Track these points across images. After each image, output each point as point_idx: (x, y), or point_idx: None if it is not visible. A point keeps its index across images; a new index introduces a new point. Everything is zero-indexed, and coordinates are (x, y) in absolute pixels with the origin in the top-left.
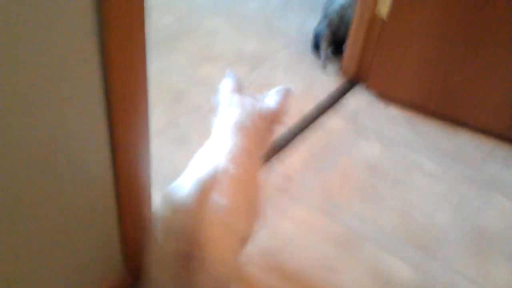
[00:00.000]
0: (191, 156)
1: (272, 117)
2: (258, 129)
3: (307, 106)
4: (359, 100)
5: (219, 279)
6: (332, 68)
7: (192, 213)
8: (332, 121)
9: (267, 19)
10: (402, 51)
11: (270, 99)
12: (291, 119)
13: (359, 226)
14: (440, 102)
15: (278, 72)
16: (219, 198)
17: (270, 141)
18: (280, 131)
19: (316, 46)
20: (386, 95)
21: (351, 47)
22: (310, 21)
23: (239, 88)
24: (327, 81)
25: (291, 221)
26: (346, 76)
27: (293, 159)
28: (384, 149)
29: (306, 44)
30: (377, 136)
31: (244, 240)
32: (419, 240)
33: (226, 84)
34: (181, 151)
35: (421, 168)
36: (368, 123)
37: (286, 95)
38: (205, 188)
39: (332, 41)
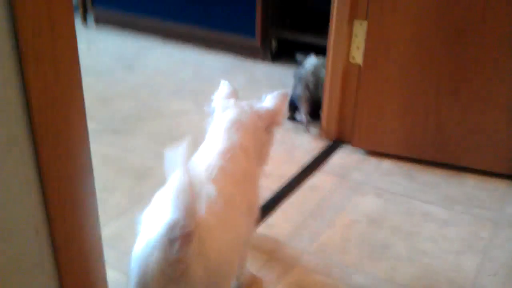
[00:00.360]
0: None
1: (270, 117)
2: (256, 127)
3: (290, 170)
4: (348, 159)
5: (216, 271)
6: (313, 130)
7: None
8: (321, 181)
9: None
10: (384, 101)
11: (267, 102)
12: (274, 183)
13: (375, 286)
14: (436, 151)
15: None
16: (212, 191)
17: (269, 145)
18: (265, 194)
19: (293, 110)
20: (376, 151)
21: (328, 103)
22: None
23: (234, 95)
24: (308, 144)
25: None
26: (329, 137)
27: (283, 222)
28: (385, 202)
29: None
30: (374, 191)
31: (244, 237)
32: None
33: (221, 92)
34: None
35: (432, 216)
36: (361, 179)
37: (283, 97)
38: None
39: (311, 102)
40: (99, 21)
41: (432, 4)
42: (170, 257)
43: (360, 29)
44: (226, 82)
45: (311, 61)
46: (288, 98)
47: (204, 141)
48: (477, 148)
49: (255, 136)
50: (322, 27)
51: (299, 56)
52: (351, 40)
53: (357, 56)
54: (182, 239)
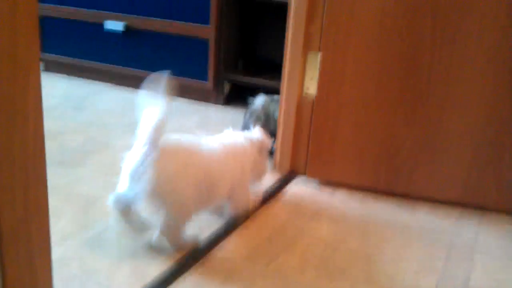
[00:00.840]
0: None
1: (260, 146)
2: (252, 153)
3: None
4: (303, 188)
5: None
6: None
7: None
8: (277, 209)
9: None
10: (338, 131)
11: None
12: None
13: None
14: (389, 181)
15: None
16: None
17: (264, 163)
18: (217, 224)
19: None
20: (331, 182)
21: (283, 135)
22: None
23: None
24: None
25: None
26: (283, 169)
27: (239, 247)
28: (341, 228)
29: None
30: (330, 217)
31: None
32: None
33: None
34: (94, 252)
35: (388, 240)
36: (316, 208)
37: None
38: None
39: None
40: (48, 67)
41: (384, 36)
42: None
43: (314, 60)
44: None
45: (261, 98)
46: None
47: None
48: (429, 177)
49: (251, 158)
50: (272, 71)
51: (250, 100)
52: (305, 71)
53: (311, 87)
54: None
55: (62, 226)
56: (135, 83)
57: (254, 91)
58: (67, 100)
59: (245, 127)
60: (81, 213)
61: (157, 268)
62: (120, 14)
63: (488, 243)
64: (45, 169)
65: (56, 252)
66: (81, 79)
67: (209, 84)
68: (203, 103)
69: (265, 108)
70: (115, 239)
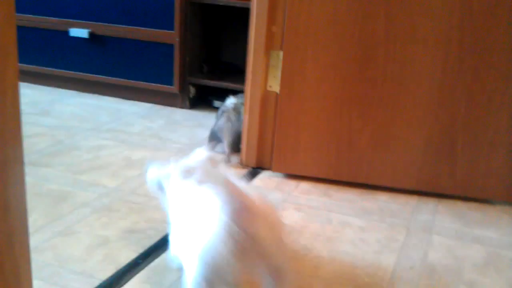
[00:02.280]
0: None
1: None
2: None
3: None
4: (268, 181)
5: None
6: (234, 159)
7: None
8: None
9: (154, 133)
10: (301, 126)
11: None
12: None
13: (301, 281)
14: (350, 172)
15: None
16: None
17: None
18: None
19: (215, 141)
20: (295, 176)
21: (248, 132)
22: (200, 132)
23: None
24: (230, 172)
25: None
26: (249, 164)
27: None
28: (305, 214)
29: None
30: (294, 206)
31: None
32: (369, 286)
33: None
34: (66, 242)
35: (350, 225)
36: (281, 197)
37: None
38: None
39: (234, 133)
40: None
41: (344, 32)
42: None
43: (276, 59)
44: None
45: (231, 99)
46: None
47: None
48: (387, 166)
49: None
50: (235, 75)
51: (218, 104)
52: (268, 69)
53: (274, 84)
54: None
55: (34, 219)
56: (100, 89)
57: (219, 94)
58: (32, 107)
59: (217, 126)
60: (52, 208)
61: (129, 254)
62: (84, 21)
63: (444, 224)
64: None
65: (30, 243)
66: (46, 86)
67: (174, 88)
68: (169, 107)
69: (236, 108)
70: (87, 230)
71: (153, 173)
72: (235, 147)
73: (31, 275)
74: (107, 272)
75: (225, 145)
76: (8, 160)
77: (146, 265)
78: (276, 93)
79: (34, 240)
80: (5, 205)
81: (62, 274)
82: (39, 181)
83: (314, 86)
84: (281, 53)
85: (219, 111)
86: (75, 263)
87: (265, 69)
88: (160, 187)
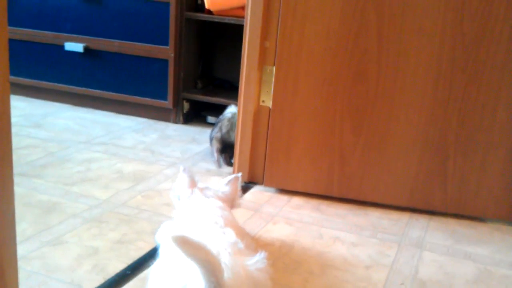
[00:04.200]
0: (68, 255)
1: (231, 201)
2: (223, 211)
3: None
4: (260, 196)
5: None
6: (226, 169)
7: None
8: (235, 212)
9: (146, 147)
10: (293, 141)
11: (224, 187)
12: None
13: None
14: (341, 188)
15: (165, 184)
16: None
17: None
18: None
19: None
20: (287, 191)
21: (240, 146)
22: (193, 147)
23: (195, 183)
24: None
25: None
26: (242, 179)
27: None
28: (297, 229)
29: (194, 162)
30: (285, 220)
31: None
32: None
33: (182, 180)
34: (55, 252)
35: (341, 240)
36: (273, 211)
37: (235, 181)
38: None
39: (222, 142)
40: None
41: (336, 48)
42: None
43: (269, 74)
44: (185, 168)
45: (231, 109)
46: (239, 181)
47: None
48: (379, 183)
49: (224, 217)
50: (228, 91)
51: (211, 119)
52: (260, 84)
53: (267, 99)
54: None
55: (23, 229)
56: (94, 103)
57: (212, 110)
58: (25, 119)
59: (211, 134)
60: (41, 218)
61: (117, 265)
62: (80, 35)
63: (435, 241)
64: (10, 147)
65: (18, 252)
66: (40, 100)
67: (168, 103)
68: (162, 122)
69: (231, 119)
70: (76, 240)
71: (182, 182)
72: (227, 157)
73: (18, 282)
74: (95, 282)
75: (214, 153)
76: None
77: (134, 276)
78: (269, 108)
79: (22, 249)
80: None
81: (49, 283)
82: (29, 191)
83: (306, 102)
84: (274, 68)
85: (216, 123)
86: (63, 273)
87: (258, 84)
88: (179, 199)
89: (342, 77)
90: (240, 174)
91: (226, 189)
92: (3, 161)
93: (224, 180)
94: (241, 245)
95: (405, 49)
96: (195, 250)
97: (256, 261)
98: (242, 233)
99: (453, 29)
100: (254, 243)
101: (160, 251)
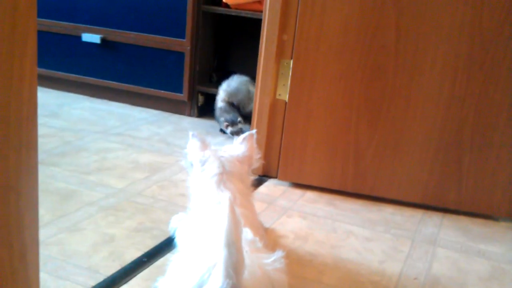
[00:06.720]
0: (86, 241)
1: (248, 161)
2: (241, 173)
3: None
4: (274, 189)
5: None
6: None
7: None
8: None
9: (162, 139)
10: (308, 136)
11: (239, 147)
12: None
13: (304, 286)
14: (356, 183)
15: (181, 175)
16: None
17: (250, 182)
18: None
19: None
20: (301, 185)
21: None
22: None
23: (207, 145)
24: None
25: None
26: (256, 172)
27: None
28: (310, 223)
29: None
30: (299, 214)
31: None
32: None
33: (193, 145)
34: (72, 238)
35: (355, 234)
36: (287, 205)
37: (251, 138)
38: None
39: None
40: None
41: (354, 42)
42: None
43: (286, 67)
44: (195, 133)
45: (236, 78)
46: (255, 137)
47: (193, 199)
48: (393, 179)
49: (243, 181)
50: None
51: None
52: (277, 78)
53: (283, 93)
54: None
55: (41, 215)
56: (110, 94)
57: None
58: (42, 109)
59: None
60: (59, 205)
61: (134, 253)
62: (97, 27)
63: (449, 238)
64: (36, 133)
65: None
66: (56, 90)
67: (183, 96)
68: (177, 114)
69: (243, 89)
70: (93, 227)
71: (193, 147)
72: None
73: (38, 264)
74: (111, 268)
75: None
76: (22, 145)
77: (150, 264)
78: (285, 102)
79: (40, 235)
80: (17, 190)
81: (66, 268)
82: (46, 179)
83: (322, 96)
84: (291, 62)
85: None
86: (80, 259)
87: (275, 78)
88: (191, 166)
89: (359, 73)
90: (255, 131)
91: (242, 147)
92: (29, 146)
93: (238, 138)
94: (259, 244)
95: (423, 45)
96: (234, 228)
97: (274, 260)
98: (260, 231)
99: (471, 25)
100: (266, 236)
101: (178, 244)
